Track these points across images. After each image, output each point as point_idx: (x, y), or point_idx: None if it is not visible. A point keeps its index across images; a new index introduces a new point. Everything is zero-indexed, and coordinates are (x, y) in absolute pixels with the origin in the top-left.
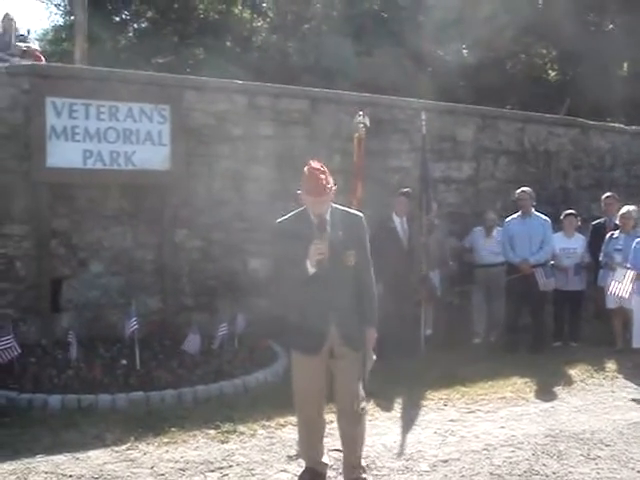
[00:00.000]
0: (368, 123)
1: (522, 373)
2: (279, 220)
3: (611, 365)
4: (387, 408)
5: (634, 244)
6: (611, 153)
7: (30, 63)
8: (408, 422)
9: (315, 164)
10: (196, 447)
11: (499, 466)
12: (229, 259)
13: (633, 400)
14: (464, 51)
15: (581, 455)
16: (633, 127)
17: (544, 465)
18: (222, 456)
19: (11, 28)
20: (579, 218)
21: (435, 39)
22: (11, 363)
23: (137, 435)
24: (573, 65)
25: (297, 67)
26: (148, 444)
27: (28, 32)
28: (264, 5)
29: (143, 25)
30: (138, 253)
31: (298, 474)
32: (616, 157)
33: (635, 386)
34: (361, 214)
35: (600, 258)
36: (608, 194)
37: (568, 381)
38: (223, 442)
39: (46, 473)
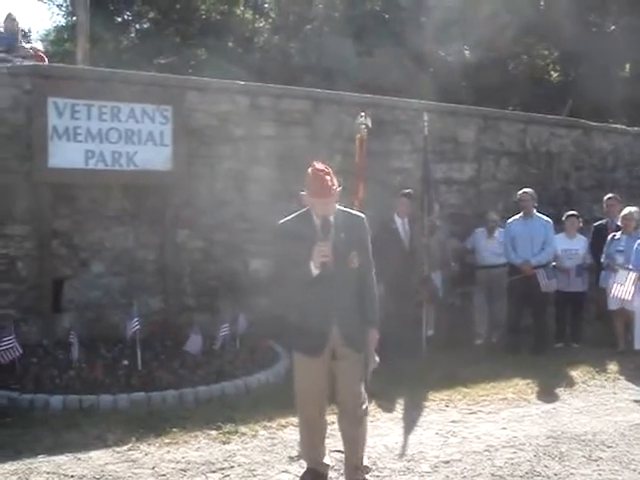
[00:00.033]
0: (370, 124)
1: (524, 374)
2: (281, 221)
3: (613, 366)
4: (389, 409)
5: (636, 245)
6: (613, 154)
7: (32, 63)
8: (410, 423)
9: (319, 165)
10: (197, 448)
11: (500, 467)
12: (231, 259)
13: (635, 401)
14: (466, 52)
15: (583, 456)
16: (635, 128)
17: (546, 466)
18: (223, 457)
19: (14, 28)
20: (581, 219)
21: (437, 40)
22: (12, 363)
23: (138, 435)
24: (575, 66)
25: (299, 68)
26: (149, 445)
27: (29, 31)
28: (266, 6)
29: (145, 26)
30: (140, 253)
31: (299, 475)
32: (618, 158)
33: (637, 387)
34: (363, 215)
35: (602, 259)
36: (610, 195)
37: (570, 382)
38: (224, 443)
39: (48, 473)
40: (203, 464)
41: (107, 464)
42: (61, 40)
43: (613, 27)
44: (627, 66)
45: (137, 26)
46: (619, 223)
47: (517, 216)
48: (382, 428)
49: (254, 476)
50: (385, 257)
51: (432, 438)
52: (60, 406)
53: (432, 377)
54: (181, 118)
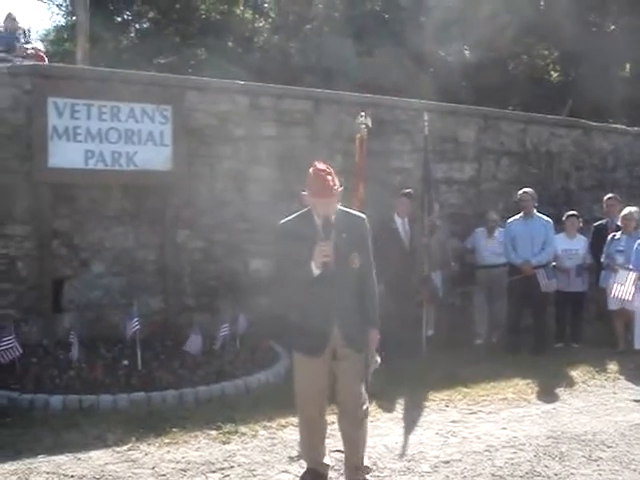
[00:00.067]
0: (370, 124)
1: (524, 374)
2: (282, 221)
3: (613, 366)
4: (389, 409)
5: (636, 245)
6: (613, 154)
7: (32, 63)
8: (410, 423)
9: (321, 165)
10: (197, 448)
11: (501, 467)
12: (231, 260)
13: (635, 401)
14: (466, 52)
15: (583, 456)
16: (635, 128)
17: (546, 466)
18: (223, 457)
19: (14, 28)
20: (581, 219)
21: (437, 40)
22: (13, 363)
23: (138, 435)
24: (575, 66)
25: (298, 67)
26: (149, 444)
27: (29, 31)
28: (266, 5)
29: (145, 25)
30: (140, 253)
31: (299, 475)
32: (618, 158)
33: (637, 387)
34: (364, 216)
35: (602, 259)
36: (610, 195)
37: (570, 382)
38: (224, 443)
39: (47, 473)
40: (203, 464)
41: (107, 464)
42: (61, 40)
43: (613, 27)
44: (627, 66)
45: (137, 26)
46: (619, 223)
47: (517, 216)
48: (382, 428)
49: (254, 476)
50: (385, 257)
51: (432, 438)
52: (60, 406)
53: (432, 377)
54: (181, 118)
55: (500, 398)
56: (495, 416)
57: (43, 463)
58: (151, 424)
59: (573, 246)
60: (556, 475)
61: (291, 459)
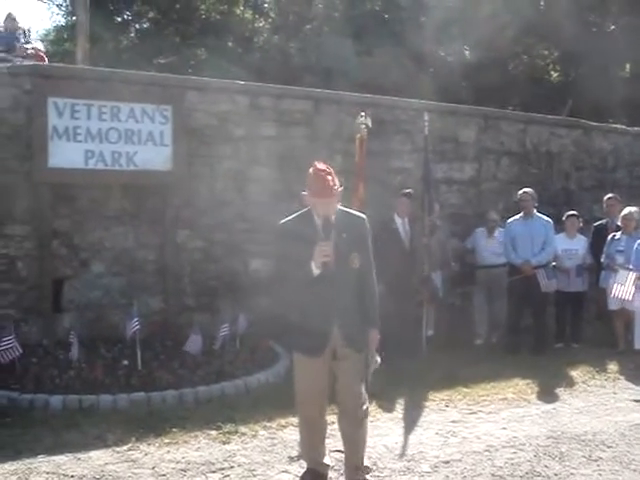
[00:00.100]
0: (370, 124)
1: (524, 374)
2: (282, 221)
3: (613, 366)
4: (389, 409)
5: (636, 245)
6: (613, 154)
7: (32, 63)
8: (410, 423)
9: (321, 165)
10: (197, 448)
11: (500, 467)
12: (231, 260)
13: (635, 401)
14: (466, 52)
15: (583, 457)
16: (635, 128)
17: (546, 466)
18: (223, 457)
19: (14, 28)
20: (581, 219)
21: (437, 39)
22: (12, 363)
23: (138, 435)
24: (575, 66)
25: (298, 67)
26: (149, 445)
27: (29, 31)
28: (266, 6)
29: (145, 25)
30: (140, 253)
31: (299, 475)
32: (618, 158)
33: (637, 387)
34: (364, 216)
35: (602, 259)
36: (610, 195)
37: (570, 382)
38: (224, 443)
39: (47, 473)
40: (203, 464)
41: (107, 464)
42: (61, 40)
43: (613, 27)
44: (627, 66)
45: (137, 26)
46: (619, 223)
47: (517, 216)
48: (382, 428)
49: (254, 476)
50: (385, 257)
51: (432, 438)
52: (60, 406)
53: (432, 377)
54: (181, 118)
55: (500, 398)
56: (495, 416)
57: (43, 463)
58: (151, 424)
59: (573, 246)
60: (556, 475)
61: (291, 459)
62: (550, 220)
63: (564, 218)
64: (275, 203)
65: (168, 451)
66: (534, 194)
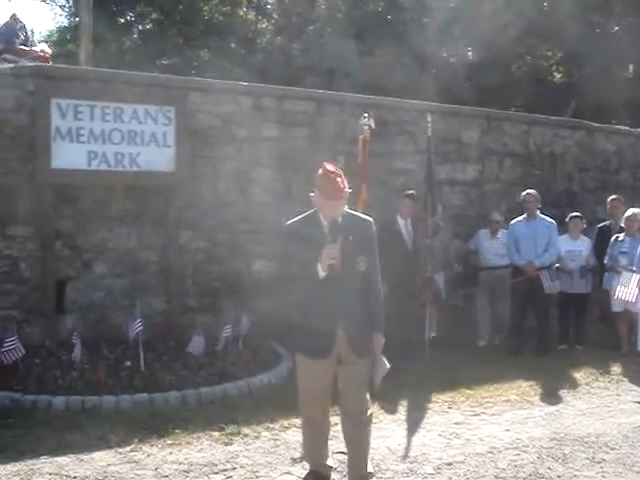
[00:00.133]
0: (373, 125)
1: (527, 376)
2: (289, 222)
3: (616, 368)
4: (391, 410)
5: (639, 247)
6: (617, 155)
7: (35, 64)
8: (412, 425)
9: (330, 166)
10: (200, 449)
11: (504, 469)
12: (233, 260)
13: (638, 403)
14: (468, 52)
15: (586, 458)
16: (638, 129)
17: (549, 468)
18: (226, 458)
19: (14, 26)
20: (584, 221)
21: (439, 40)
22: (15, 364)
23: (141, 437)
24: (578, 67)
25: (301, 68)
26: (152, 446)
27: (32, 31)
28: (269, 7)
29: (148, 27)
30: (142, 254)
31: (302, 477)
32: (622, 159)
33: None
34: (371, 219)
35: (605, 261)
36: (613, 197)
37: (573, 384)
38: (227, 444)
39: (50, 474)
40: (205, 465)
41: (109, 465)
42: (64, 41)
43: (617, 28)
44: (630, 67)
45: (140, 27)
46: (623, 225)
47: (520, 217)
48: (385, 430)
49: (256, 477)
50: (388, 258)
51: (435, 440)
52: (63, 407)
53: (435, 379)
54: (184, 119)
55: (503, 400)
56: (498, 418)
57: (46, 464)
58: (154, 425)
59: (576, 247)
60: (559, 477)
61: (294, 461)
62: (553, 221)
63: (567, 219)
64: (278, 204)
65: (171, 452)
66: (537, 195)
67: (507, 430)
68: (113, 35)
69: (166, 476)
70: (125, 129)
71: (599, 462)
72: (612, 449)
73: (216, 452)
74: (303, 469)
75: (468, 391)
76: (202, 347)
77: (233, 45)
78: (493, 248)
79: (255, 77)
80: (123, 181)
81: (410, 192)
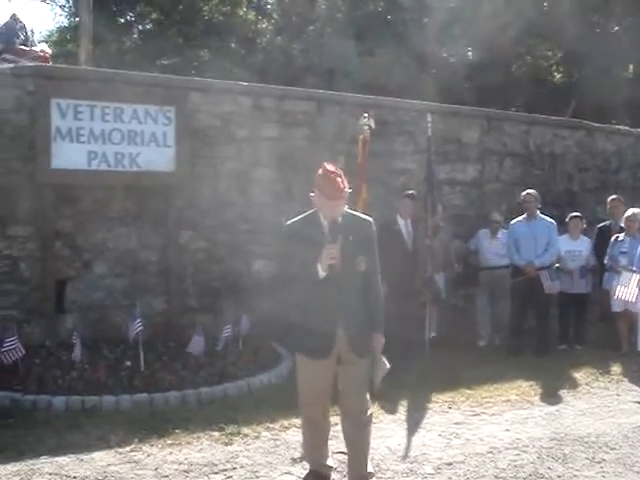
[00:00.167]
0: (373, 125)
1: (527, 376)
2: (289, 222)
3: (616, 368)
4: (391, 410)
5: (639, 247)
6: (617, 155)
7: (35, 64)
8: (412, 425)
9: (330, 167)
10: (200, 449)
11: (504, 469)
12: (233, 260)
13: (638, 403)
14: (469, 52)
15: (586, 458)
16: (638, 129)
17: (549, 468)
18: (226, 458)
19: (14, 26)
20: (584, 221)
21: (439, 40)
22: (15, 364)
23: (141, 437)
24: (578, 67)
25: (301, 68)
26: (152, 446)
27: (32, 31)
28: (269, 7)
29: (148, 27)
30: (142, 254)
31: (302, 477)
32: (622, 159)
33: None
34: (371, 219)
35: (605, 261)
36: (614, 197)
37: (573, 384)
38: (227, 444)
39: (50, 474)
40: (205, 465)
41: (109, 465)
42: (64, 41)
43: (617, 28)
44: (630, 67)
45: (140, 27)
46: (623, 225)
47: (520, 217)
48: (385, 430)
49: (256, 477)
50: (388, 258)
51: (435, 440)
52: (63, 407)
53: (435, 379)
54: (184, 119)
55: (503, 400)
56: (498, 418)
57: (46, 464)
58: (154, 425)
59: (576, 247)
60: (559, 477)
61: (294, 461)
62: (553, 221)
63: (567, 219)
64: (277, 204)
65: (171, 452)
66: (537, 195)
67: (507, 430)
68: (113, 35)
69: (166, 476)
70: (125, 129)
71: (599, 462)
72: (612, 449)
73: (216, 452)
74: (303, 469)
75: (468, 391)
76: (202, 347)
77: (233, 45)
78: (493, 248)
79: (255, 77)
80: (123, 181)
81: (410, 192)
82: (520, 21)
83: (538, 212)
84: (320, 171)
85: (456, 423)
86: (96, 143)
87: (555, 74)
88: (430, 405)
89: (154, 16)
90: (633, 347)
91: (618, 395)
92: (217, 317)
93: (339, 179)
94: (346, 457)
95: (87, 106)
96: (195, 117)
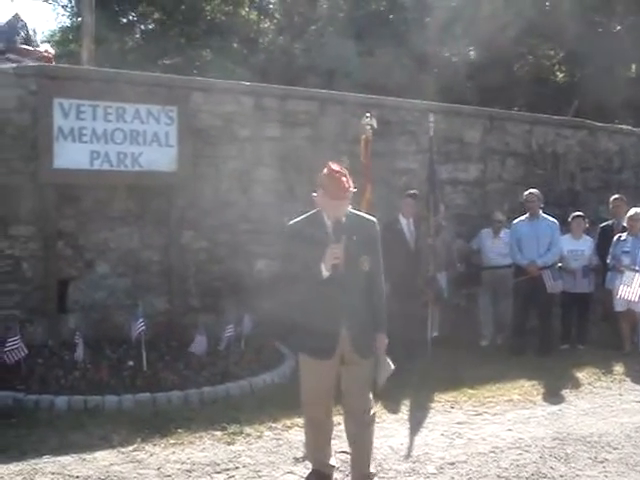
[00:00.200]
0: (375, 125)
1: (529, 376)
2: (292, 222)
3: (619, 368)
4: (394, 410)
5: None
6: (619, 155)
7: (37, 64)
8: (415, 424)
9: (335, 166)
10: (202, 448)
11: (506, 469)
12: (235, 260)
13: None
14: (471, 52)
15: (589, 458)
16: None
17: (551, 468)
18: (228, 457)
19: (15, 24)
20: (587, 220)
21: (441, 40)
22: (18, 364)
23: (143, 436)
24: (580, 66)
25: (302, 68)
26: (154, 445)
27: (34, 31)
28: (271, 6)
29: (150, 26)
30: (144, 254)
31: (305, 476)
32: (624, 159)
33: None
34: (375, 220)
35: (608, 260)
36: (616, 196)
37: (575, 384)
38: (229, 444)
39: (52, 474)
40: (208, 465)
41: (112, 465)
42: (66, 41)
43: (619, 27)
44: (633, 66)
45: (142, 27)
46: (625, 224)
47: (523, 217)
48: (387, 429)
49: (259, 477)
50: (390, 258)
51: (437, 439)
52: (65, 407)
53: (437, 378)
54: (186, 119)
55: (506, 399)
56: (501, 417)
57: (48, 464)
58: (156, 425)
59: (579, 247)
60: (562, 477)
61: (296, 460)
62: (556, 221)
63: (570, 219)
64: (279, 204)
65: (173, 452)
66: (540, 195)
67: (509, 430)
68: (115, 35)
69: (169, 475)
70: (127, 129)
71: (601, 462)
72: (614, 449)
73: (218, 451)
74: (305, 468)
75: (470, 391)
76: (204, 347)
77: (235, 45)
78: (495, 248)
79: (257, 77)
80: (125, 181)
81: (412, 192)
82: (522, 21)
83: (541, 212)
84: (325, 170)
85: (458, 423)
86: (98, 143)
87: (557, 74)
88: (432, 405)
89: (156, 16)
90: (635, 347)
91: (620, 395)
92: (219, 317)
93: (344, 179)
94: (349, 457)
95: (89, 106)
96: (197, 117)
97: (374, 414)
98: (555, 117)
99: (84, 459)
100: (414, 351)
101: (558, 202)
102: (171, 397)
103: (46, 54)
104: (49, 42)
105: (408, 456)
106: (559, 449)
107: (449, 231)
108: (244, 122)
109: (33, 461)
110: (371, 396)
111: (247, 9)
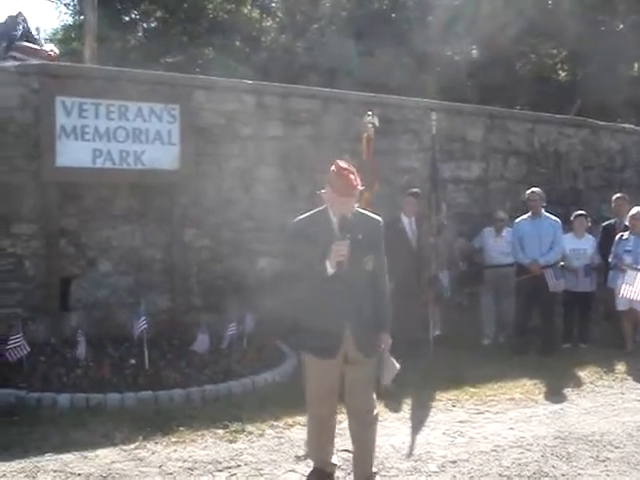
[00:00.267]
0: (377, 123)
1: (531, 375)
2: (296, 219)
3: (621, 367)
4: (396, 409)
5: None
6: (621, 154)
7: (40, 62)
8: (417, 423)
9: (343, 164)
10: (204, 446)
11: (508, 467)
12: (237, 259)
13: None
14: (472, 51)
15: (590, 457)
16: None
17: (553, 467)
18: (230, 456)
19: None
20: (589, 219)
21: (443, 38)
22: (20, 362)
23: (145, 434)
24: (583, 65)
25: (304, 67)
26: (156, 443)
27: (37, 30)
28: (273, 5)
29: (152, 25)
30: (147, 252)
31: (306, 474)
32: (626, 158)
33: None
34: (380, 219)
35: (610, 259)
36: (618, 195)
37: (577, 383)
38: (231, 442)
39: (55, 472)
40: (210, 463)
41: (114, 462)
42: (68, 39)
43: (621, 26)
44: (635, 65)
45: (144, 25)
46: (627, 223)
47: (525, 215)
48: (389, 428)
49: (261, 475)
50: (392, 256)
51: (439, 438)
52: (67, 404)
53: (439, 377)
54: (188, 117)
55: (507, 398)
56: (502, 416)
57: (50, 461)
58: (158, 423)
59: (581, 246)
60: (563, 476)
61: (298, 458)
62: (558, 220)
63: (572, 218)
64: (282, 202)
65: (175, 450)
66: (542, 194)
67: (511, 428)
68: (118, 33)
69: (170, 473)
70: (130, 127)
71: (603, 461)
72: (616, 448)
73: (220, 450)
74: (307, 467)
75: (472, 389)
76: (207, 345)
77: (237, 43)
78: (498, 246)
79: (259, 75)
80: (128, 179)
81: (414, 190)
82: (524, 19)
83: (543, 210)
84: (333, 167)
85: (460, 421)
86: (101, 141)
87: (559, 72)
88: (434, 403)
89: (158, 14)
90: (637, 346)
91: (622, 394)
92: (221, 315)
93: (352, 176)
94: (351, 455)
95: (92, 104)
96: (199, 115)
97: (377, 414)
98: (557, 116)
99: (86, 457)
100: (416, 350)
101: (560, 201)
102: (173, 395)
103: (51, 53)
104: (52, 41)
105: (410, 455)
106: (561, 448)
107: (451, 230)
108: (246, 120)
109: (35, 459)
110: (374, 396)
111: (249, 7)
